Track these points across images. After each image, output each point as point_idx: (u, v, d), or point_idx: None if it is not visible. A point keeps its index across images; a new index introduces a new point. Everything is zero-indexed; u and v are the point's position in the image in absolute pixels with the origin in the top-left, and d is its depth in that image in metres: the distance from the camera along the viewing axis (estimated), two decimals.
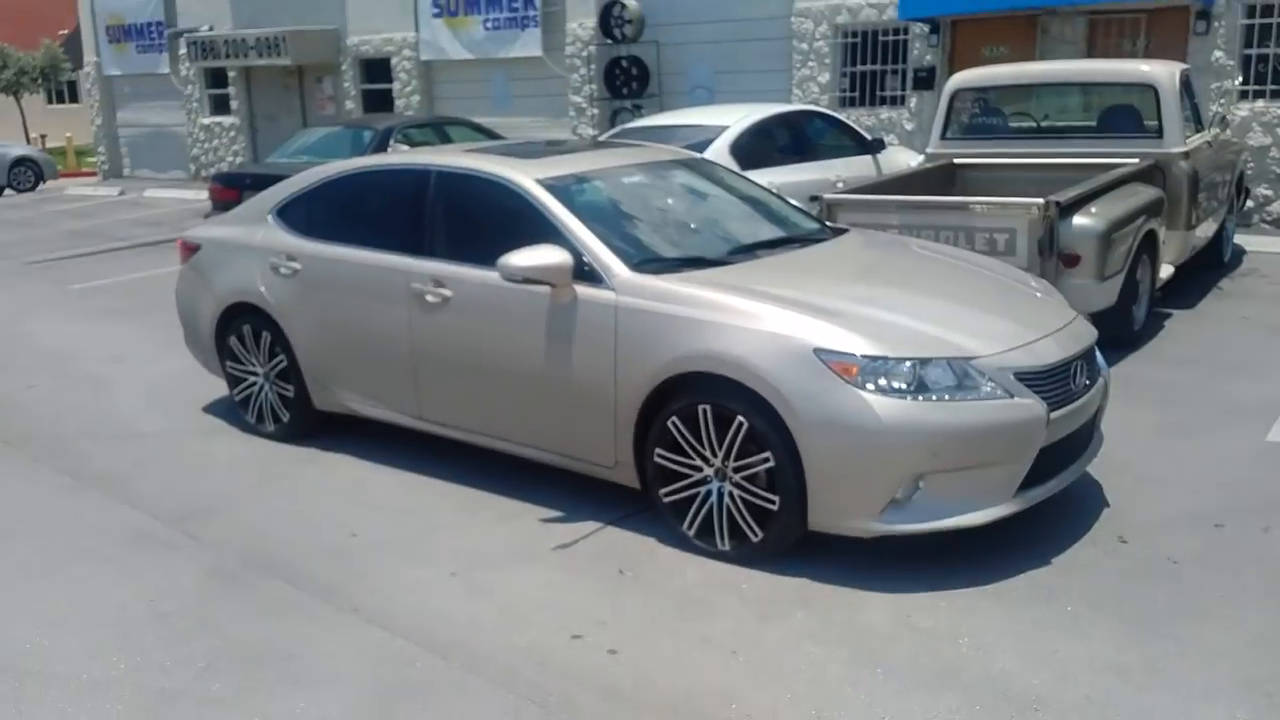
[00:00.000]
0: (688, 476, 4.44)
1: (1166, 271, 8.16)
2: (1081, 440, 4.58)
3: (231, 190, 10.97)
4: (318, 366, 5.73)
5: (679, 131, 9.20)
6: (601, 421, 4.65)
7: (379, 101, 18.47)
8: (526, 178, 5.06)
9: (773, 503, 4.21)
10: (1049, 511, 4.51)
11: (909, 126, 13.58)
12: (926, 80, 13.41)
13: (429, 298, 5.14)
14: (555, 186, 5.03)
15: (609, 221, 4.95)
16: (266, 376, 6.02)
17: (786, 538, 4.26)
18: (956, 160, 9.05)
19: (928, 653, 3.68)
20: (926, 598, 4.04)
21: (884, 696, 3.45)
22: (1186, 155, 8.31)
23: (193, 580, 4.42)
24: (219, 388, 6.86)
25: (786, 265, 4.95)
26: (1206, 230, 8.96)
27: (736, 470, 4.29)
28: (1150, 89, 8.40)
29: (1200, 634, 3.73)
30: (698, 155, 6.02)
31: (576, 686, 3.56)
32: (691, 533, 4.48)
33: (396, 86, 18.14)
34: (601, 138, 9.59)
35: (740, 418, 4.21)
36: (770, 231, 5.42)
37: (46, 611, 4.19)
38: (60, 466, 5.79)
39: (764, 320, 4.24)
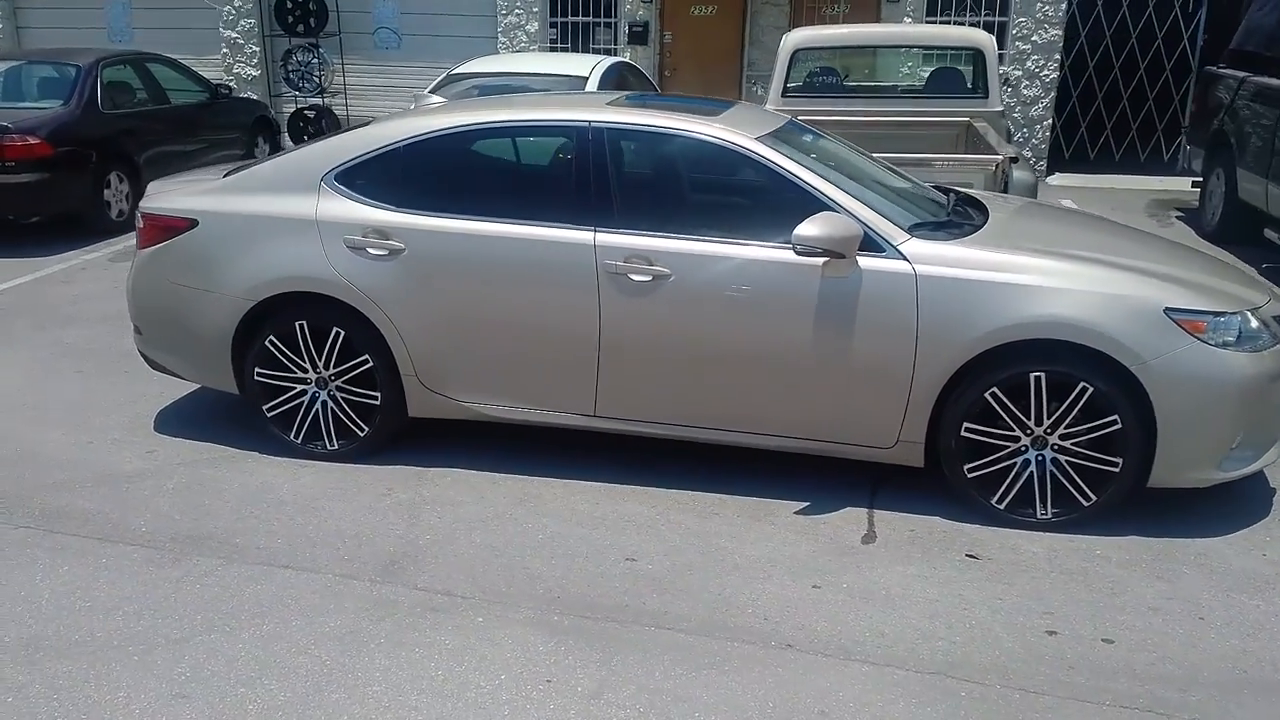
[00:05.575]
0: (1000, 449, 4.29)
1: None
2: None
3: None
4: (431, 365, 4.70)
5: (534, 80, 8.52)
6: (888, 399, 4.33)
7: None
8: (746, 138, 4.51)
9: (1114, 465, 4.21)
10: None
11: None
12: (640, 35, 13.46)
13: (634, 277, 4.43)
14: (779, 147, 4.54)
15: (841, 184, 4.55)
16: (323, 383, 4.83)
17: (1118, 498, 4.28)
18: (799, 118, 9.28)
19: None
20: (1244, 535, 4.30)
21: None
22: (1003, 114, 9.22)
23: (514, 640, 3.53)
24: (148, 404, 5.54)
25: (1026, 227, 4.81)
26: None
27: (1065, 437, 4.22)
28: (978, 52, 9.18)
29: None
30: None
31: (1086, 676, 3.38)
32: (1003, 506, 4.34)
33: None
34: (427, 90, 8.54)
35: (1083, 382, 4.14)
36: (933, 192, 5.27)
37: (421, 711, 3.14)
38: (94, 534, 4.24)
39: (1107, 283, 4.18)
